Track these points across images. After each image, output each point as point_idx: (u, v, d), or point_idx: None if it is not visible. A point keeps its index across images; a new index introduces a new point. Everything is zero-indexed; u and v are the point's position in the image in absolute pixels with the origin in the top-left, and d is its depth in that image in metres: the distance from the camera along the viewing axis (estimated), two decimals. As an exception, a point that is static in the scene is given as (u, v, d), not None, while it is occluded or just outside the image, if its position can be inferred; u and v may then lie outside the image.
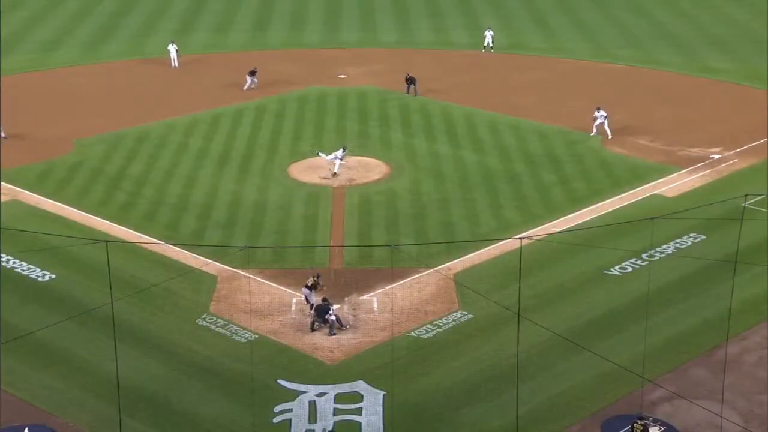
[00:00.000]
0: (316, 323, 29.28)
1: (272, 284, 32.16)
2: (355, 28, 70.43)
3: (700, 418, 24.37)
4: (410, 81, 52.61)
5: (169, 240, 34.81)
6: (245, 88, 53.72)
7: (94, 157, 44.33)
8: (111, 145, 45.81)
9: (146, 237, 35.40)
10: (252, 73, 54.22)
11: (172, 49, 59.67)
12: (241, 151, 45.16)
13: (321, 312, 29.20)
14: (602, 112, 45.74)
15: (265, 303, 30.98)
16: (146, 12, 75.45)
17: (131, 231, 36.17)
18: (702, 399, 25.11)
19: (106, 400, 25.35)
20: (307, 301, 30.19)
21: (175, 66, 59.44)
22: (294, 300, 31.22)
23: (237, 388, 26.32)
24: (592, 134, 45.65)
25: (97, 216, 37.61)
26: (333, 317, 29.16)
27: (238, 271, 32.55)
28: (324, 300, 29.55)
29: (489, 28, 62.49)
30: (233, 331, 29.38)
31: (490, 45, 61.44)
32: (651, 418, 24.31)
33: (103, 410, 25.30)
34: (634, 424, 23.33)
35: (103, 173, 42.42)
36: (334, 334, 29.00)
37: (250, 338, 28.79)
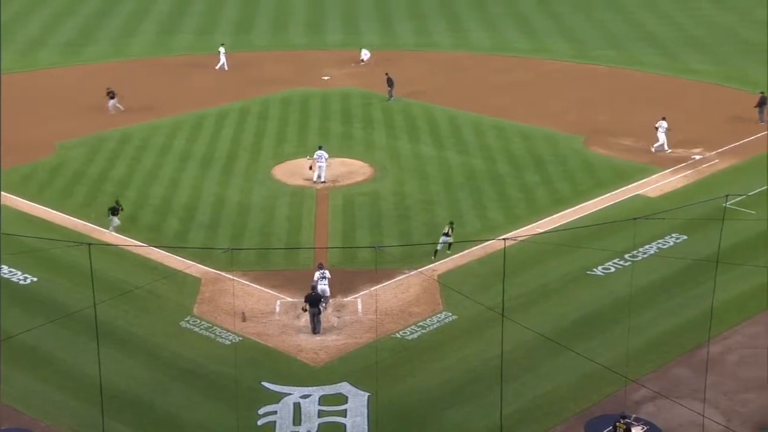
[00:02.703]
0: (312, 314, 29.11)
1: (256, 286, 32.09)
2: (339, 30, 70.43)
3: (683, 417, 24.52)
4: (389, 83, 52.08)
5: (152, 242, 34.67)
6: (111, 113, 49.70)
7: (77, 160, 44.08)
8: (93, 148, 45.56)
9: (129, 239, 35.26)
10: (111, 95, 50.05)
11: (222, 50, 58.84)
12: (225, 153, 45.05)
13: (314, 301, 29.15)
14: (664, 123, 43.72)
15: (249, 305, 30.91)
16: (129, 13, 75.14)
17: (114, 234, 35.99)
18: (685, 398, 25.27)
19: (89, 404, 25.19)
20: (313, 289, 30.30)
21: (223, 68, 58.41)
22: (278, 302, 31.17)
23: (221, 391, 26.24)
24: (667, 150, 43.42)
25: (79, 219, 37.40)
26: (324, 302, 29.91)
27: (222, 273, 32.46)
28: (312, 289, 29.56)
29: (365, 48, 60.14)
30: (217, 333, 29.29)
31: (363, 59, 59.57)
32: (633, 417, 24.44)
33: (86, 413, 25.14)
34: (617, 424, 23.44)
35: (85, 175, 42.19)
36: (324, 308, 29.68)
37: (234, 340, 28.71)
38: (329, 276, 30.50)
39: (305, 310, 29.34)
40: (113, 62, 61.40)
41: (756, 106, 47.65)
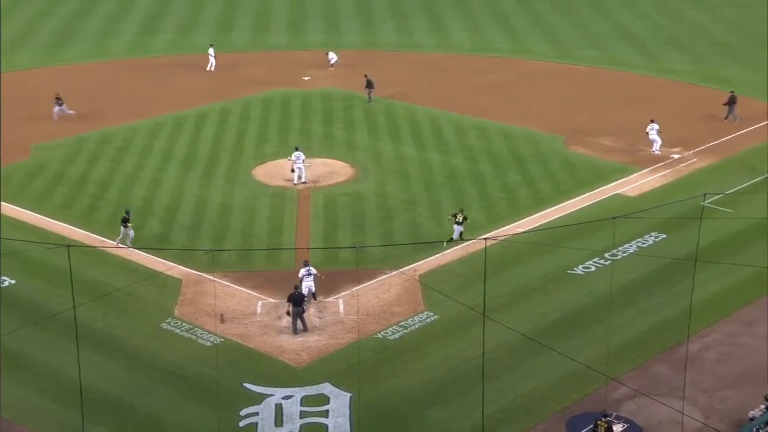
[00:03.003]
0: (296, 314, 29.15)
1: (238, 287, 32.03)
2: (319, 30, 70.37)
3: (663, 414, 24.71)
4: (369, 84, 51.66)
5: (133, 244, 34.51)
6: (55, 119, 48.15)
7: (56, 161, 43.81)
8: (73, 149, 45.29)
9: (109, 241, 35.09)
10: (58, 102, 48.39)
11: (211, 51, 58.59)
12: (206, 154, 44.91)
13: (297, 301, 29.16)
14: (655, 125, 43.65)
15: (230, 306, 30.84)
16: (108, 13, 74.74)
17: (94, 235, 35.82)
18: (664, 396, 25.47)
19: (68, 407, 25.05)
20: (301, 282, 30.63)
21: (212, 69, 58.18)
22: (259, 303, 31.13)
23: (203, 392, 26.18)
24: (656, 152, 43.28)
25: (58, 220, 37.18)
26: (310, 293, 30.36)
27: (203, 274, 32.37)
28: (295, 288, 29.58)
29: (332, 52, 59.03)
30: (198, 334, 29.22)
31: (331, 63, 58.69)
32: (614, 415, 24.60)
33: (65, 417, 25.01)
34: (599, 422, 23.59)
35: (65, 177, 41.94)
36: (314, 302, 30.06)
37: (215, 342, 28.65)
38: (315, 272, 30.60)
39: (289, 314, 29.31)
40: (93, 63, 61.04)
41: (725, 104, 48.16)
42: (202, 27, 71.14)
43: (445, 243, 34.13)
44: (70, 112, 48.91)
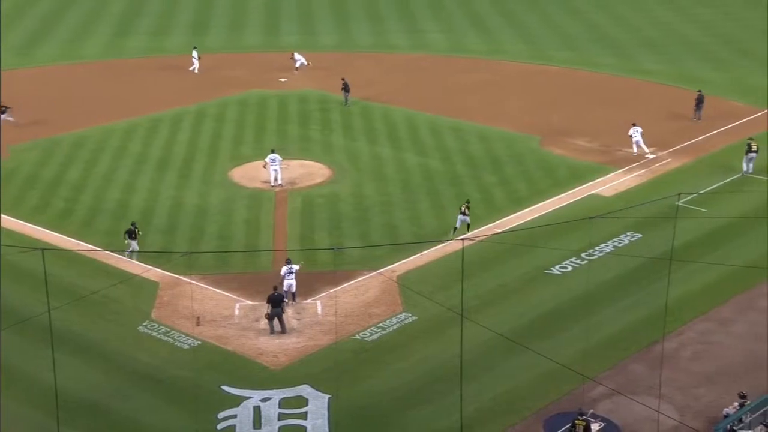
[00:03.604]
0: (274, 315, 29.13)
1: (215, 289, 31.89)
2: (295, 31, 70.26)
3: (639, 413, 24.89)
4: (345, 88, 51.39)
5: (109, 247, 34.25)
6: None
7: (29, 164, 43.40)
8: (46, 151, 44.89)
9: (85, 244, 34.79)
10: (1, 110, 46.79)
11: (195, 53, 58.26)
12: (182, 156, 44.69)
13: (276, 302, 29.10)
14: (638, 128, 43.44)
15: (208, 308, 30.70)
16: (82, 14, 74.16)
17: (69, 238, 35.52)
18: (641, 394, 25.66)
19: (44, 412, 24.69)
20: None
21: (194, 71, 57.85)
22: (237, 305, 31.02)
23: (180, 395, 26.03)
24: (635, 154, 43.26)
25: (32, 224, 36.82)
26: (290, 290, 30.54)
27: (180, 276, 32.21)
28: (275, 289, 29.48)
29: (296, 53, 58.37)
30: (176, 337, 29.05)
31: (297, 66, 57.87)
32: (590, 413, 24.76)
33: (41, 422, 24.71)
34: (576, 421, 23.74)
35: (38, 180, 41.56)
36: (294, 303, 30.21)
37: (192, 344, 28.51)
38: (297, 268, 30.68)
39: (268, 317, 29.21)
40: (65, 65, 60.50)
41: (695, 104, 48.71)
42: (176, 29, 70.78)
43: (451, 233, 35.15)
44: (10, 119, 47.40)
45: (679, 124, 48.56)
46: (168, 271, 32.62)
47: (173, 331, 29.36)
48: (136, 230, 33.80)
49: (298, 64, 58.00)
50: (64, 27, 70.50)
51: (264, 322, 29.51)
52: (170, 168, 43.17)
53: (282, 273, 30.72)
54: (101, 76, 58.36)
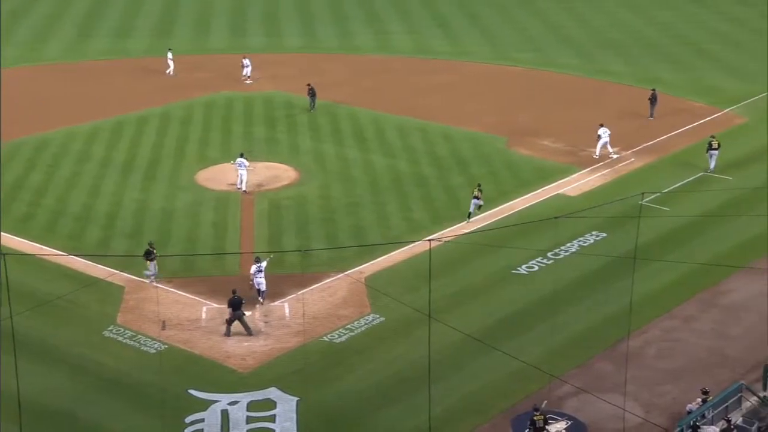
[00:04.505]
0: (234, 318, 29.02)
1: (182, 293, 31.67)
2: (260, 33, 70.00)
3: (606, 410, 25.13)
4: (311, 93, 50.77)
5: (73, 251, 33.85)
6: None
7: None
8: (7, 155, 44.14)
9: (48, 248, 34.37)
10: None
11: (170, 55, 57.63)
12: (147, 159, 44.31)
13: (236, 305, 28.98)
14: (605, 130, 43.41)
15: (174, 312, 30.48)
16: (43, 16, 73.23)
17: (32, 243, 35.04)
18: (607, 392, 25.90)
19: (8, 418, 24.41)
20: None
21: (170, 73, 57.29)
22: (204, 308, 30.83)
23: (147, 400, 25.83)
24: (596, 156, 43.38)
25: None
26: (260, 287, 30.59)
27: (146, 280, 31.92)
28: (234, 292, 29.36)
29: (245, 58, 56.32)
30: (142, 341, 28.81)
31: (247, 75, 56.65)
32: (544, 403, 24.70)
33: (4, 428, 24.39)
34: (534, 418, 23.94)
35: None
36: (262, 300, 30.37)
37: (159, 348, 28.28)
38: (265, 267, 30.68)
39: (229, 321, 29.10)
40: (25, 67, 59.66)
41: (649, 101, 49.53)
42: (139, 31, 70.17)
43: (467, 220, 36.47)
44: None
45: (641, 124, 49.07)
46: (133, 275, 32.32)
47: (139, 336, 29.11)
48: (154, 251, 31.81)
49: (248, 72, 56.08)
50: (25, 29, 69.53)
51: (233, 325, 29.38)
52: (135, 171, 42.78)
53: (251, 271, 30.75)
54: (63, 78, 57.69)
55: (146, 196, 39.99)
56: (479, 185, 37.22)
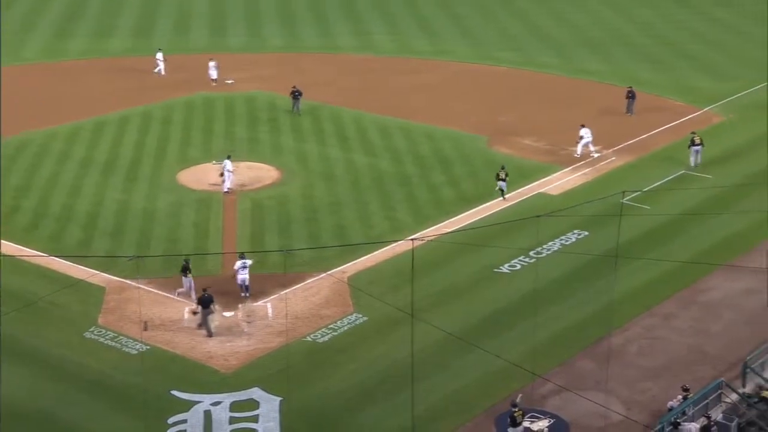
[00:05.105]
0: (205, 317, 29.02)
1: (164, 293, 31.55)
2: (242, 33, 69.79)
3: (588, 408, 25.27)
4: (295, 95, 50.55)
5: (53, 252, 33.64)
6: None
7: (-31, 168, 42.42)
8: (-13, 155, 43.91)
9: (28, 249, 34.13)
10: None
11: (160, 56, 57.20)
12: (128, 159, 44.09)
13: (206, 302, 28.98)
14: (587, 130, 43.82)
15: (156, 313, 30.36)
16: (21, 15, 72.64)
17: (11, 244, 34.79)
18: (589, 390, 26.05)
19: (-11, 421, 24.32)
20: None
21: (160, 73, 56.83)
22: (186, 309, 30.72)
23: (129, 401, 25.71)
24: (577, 155, 43.69)
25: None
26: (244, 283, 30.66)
27: (127, 281, 31.79)
28: (204, 290, 29.31)
29: (212, 61, 55.42)
30: (123, 342, 28.69)
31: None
32: (519, 396, 24.84)
33: (-14, 431, 24.28)
34: (514, 414, 24.06)
35: (-21, 184, 40.65)
36: (247, 294, 30.41)
37: (141, 349, 28.16)
38: (250, 263, 30.78)
39: (195, 313, 29.11)
40: (3, 67, 59.08)
41: (626, 100, 50.07)
42: (119, 31, 69.76)
43: (503, 197, 38.79)
44: None
45: (621, 123, 49.36)
46: (115, 276, 32.17)
47: (121, 336, 28.98)
48: (190, 267, 30.88)
49: (214, 76, 55.15)
50: (3, 28, 68.89)
51: (214, 325, 29.30)
52: (116, 171, 42.55)
53: (235, 267, 30.84)
54: (42, 78, 57.27)
55: (128, 196, 39.80)
56: (503, 166, 39.42)
